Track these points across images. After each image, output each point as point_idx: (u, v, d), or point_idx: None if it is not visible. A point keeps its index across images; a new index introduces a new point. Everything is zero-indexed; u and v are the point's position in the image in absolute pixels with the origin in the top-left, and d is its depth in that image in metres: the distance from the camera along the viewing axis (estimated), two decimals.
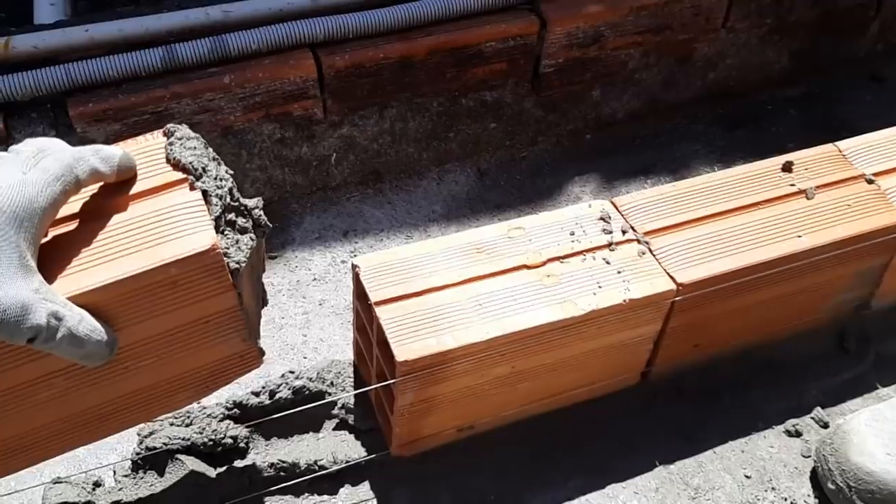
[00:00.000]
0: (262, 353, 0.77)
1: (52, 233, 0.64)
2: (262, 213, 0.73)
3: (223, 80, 1.24)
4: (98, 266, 0.62)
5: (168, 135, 0.71)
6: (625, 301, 0.96)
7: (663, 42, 1.51)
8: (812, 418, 1.12)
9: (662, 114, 1.63)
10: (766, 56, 1.66)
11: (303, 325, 1.24)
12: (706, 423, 1.11)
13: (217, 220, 0.67)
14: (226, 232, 0.68)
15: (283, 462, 1.01)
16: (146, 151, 0.70)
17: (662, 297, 0.99)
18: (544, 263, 0.99)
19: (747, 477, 1.06)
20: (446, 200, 1.45)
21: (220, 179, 0.69)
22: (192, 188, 0.68)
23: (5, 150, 0.62)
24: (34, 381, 0.65)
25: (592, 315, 0.95)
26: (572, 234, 1.03)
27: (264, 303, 0.81)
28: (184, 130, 0.71)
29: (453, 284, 0.97)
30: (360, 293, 0.99)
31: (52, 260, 0.62)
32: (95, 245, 0.63)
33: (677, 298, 1.00)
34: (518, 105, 1.49)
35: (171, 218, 0.65)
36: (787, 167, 1.12)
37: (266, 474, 1.01)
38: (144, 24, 1.23)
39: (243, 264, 0.68)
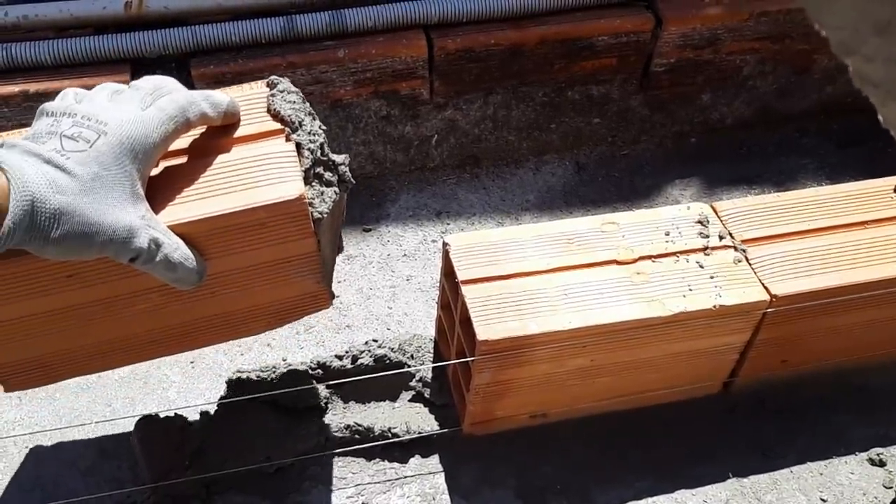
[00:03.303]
0: (333, 295, 0.83)
1: (163, 164, 0.71)
2: (347, 169, 0.78)
3: (337, 54, 1.28)
4: (196, 201, 0.69)
5: (271, 86, 0.76)
6: (714, 307, 0.95)
7: (782, 50, 1.47)
8: None
9: (773, 124, 1.58)
10: None
11: (389, 297, 1.27)
12: (786, 440, 1.08)
13: (307, 171, 0.73)
14: (313, 184, 0.73)
15: (359, 425, 1.04)
16: (250, 99, 0.76)
17: (754, 307, 0.97)
18: (635, 261, 0.99)
19: (823, 500, 1.03)
20: (541, 191, 1.46)
21: (314, 134, 0.74)
22: (288, 139, 0.73)
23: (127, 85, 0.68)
24: (133, 294, 0.72)
25: (679, 317, 0.94)
26: (667, 234, 1.02)
27: (340, 250, 0.87)
28: (285, 84, 0.76)
29: (541, 272, 0.97)
30: (448, 271, 1.00)
31: (157, 190, 0.68)
32: (196, 181, 0.70)
33: (769, 310, 0.97)
34: (624, 102, 1.48)
35: (266, 165, 0.71)
36: None
37: (341, 435, 1.04)
38: None
39: (326, 215, 0.73)
